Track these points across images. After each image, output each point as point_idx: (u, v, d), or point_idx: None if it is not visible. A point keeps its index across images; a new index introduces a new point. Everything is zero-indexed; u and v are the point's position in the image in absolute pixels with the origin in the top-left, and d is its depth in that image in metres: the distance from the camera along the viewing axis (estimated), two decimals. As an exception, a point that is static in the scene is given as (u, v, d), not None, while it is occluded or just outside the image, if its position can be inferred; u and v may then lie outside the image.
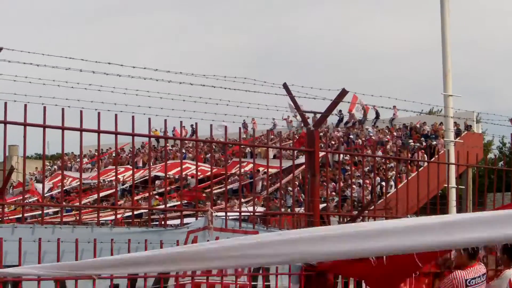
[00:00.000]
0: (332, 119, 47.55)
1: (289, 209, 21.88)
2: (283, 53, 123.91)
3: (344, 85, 10.94)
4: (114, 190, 14.80)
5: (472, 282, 10.43)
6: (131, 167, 43.95)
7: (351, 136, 44.87)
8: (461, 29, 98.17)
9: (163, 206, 15.39)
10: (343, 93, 10.99)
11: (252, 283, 10.20)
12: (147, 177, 33.20)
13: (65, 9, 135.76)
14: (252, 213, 12.02)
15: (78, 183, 42.53)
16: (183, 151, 41.24)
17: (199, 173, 14.64)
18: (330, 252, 5.04)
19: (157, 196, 36.23)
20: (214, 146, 35.34)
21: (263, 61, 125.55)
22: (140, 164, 47.05)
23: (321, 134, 18.25)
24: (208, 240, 9.88)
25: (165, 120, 10.06)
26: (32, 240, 8.40)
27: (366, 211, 12.50)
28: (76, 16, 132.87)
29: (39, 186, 42.73)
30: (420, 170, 17.82)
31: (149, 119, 9.83)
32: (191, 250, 5.52)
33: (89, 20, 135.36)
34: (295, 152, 12.88)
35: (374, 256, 5.30)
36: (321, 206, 12.46)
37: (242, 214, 11.00)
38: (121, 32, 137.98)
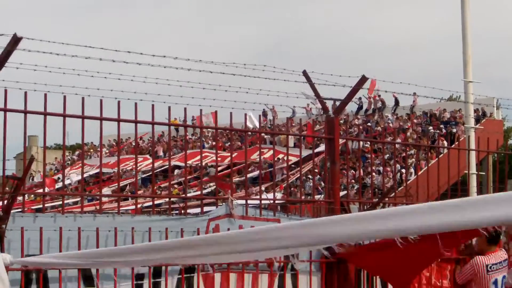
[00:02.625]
0: (352, 107, 47.46)
1: (309, 196, 21.86)
2: (300, 44, 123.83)
3: (364, 72, 10.85)
4: (133, 179, 14.82)
5: (493, 268, 10.41)
6: (150, 156, 44.05)
7: (369, 124, 44.74)
8: (481, 17, 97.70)
9: (183, 195, 15.42)
10: (363, 79, 10.93)
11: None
12: (167, 166, 33.24)
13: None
14: (272, 201, 12.00)
15: (97, 171, 42.75)
16: (203, 139, 41.32)
17: (219, 160, 14.63)
18: (354, 234, 4.97)
19: (175, 186, 36.29)
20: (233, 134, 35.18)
21: (280, 51, 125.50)
22: (160, 154, 47.12)
23: (341, 121, 18.18)
24: (228, 229, 9.89)
25: (185, 108, 10.04)
26: (53, 229, 8.43)
27: (387, 198, 12.44)
28: (95, 5, 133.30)
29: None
30: (440, 157, 17.73)
31: (169, 107, 9.82)
32: (212, 236, 5.54)
33: (107, 9, 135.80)
34: (315, 139, 12.86)
35: (400, 236, 5.18)
36: (341, 193, 12.42)
37: (262, 202, 10.98)
38: (140, 21, 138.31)
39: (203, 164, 34.66)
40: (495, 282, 10.47)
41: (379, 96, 48.31)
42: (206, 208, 10.59)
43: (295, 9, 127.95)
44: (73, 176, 42.28)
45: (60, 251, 8.29)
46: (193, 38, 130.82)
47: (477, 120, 35.22)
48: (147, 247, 5.72)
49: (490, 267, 10.41)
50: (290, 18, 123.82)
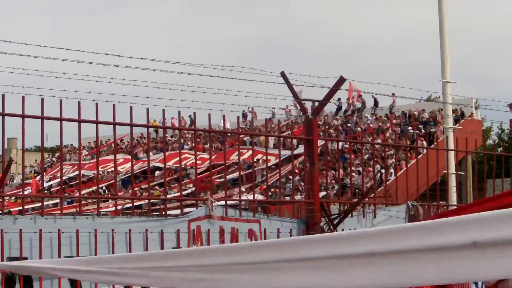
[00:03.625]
0: (331, 108, 47.53)
1: (288, 197, 21.91)
2: (281, 42, 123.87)
3: (342, 72, 10.89)
4: (113, 181, 14.82)
5: None
6: (129, 157, 43.90)
7: (349, 125, 44.81)
8: (458, 16, 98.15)
9: (163, 197, 15.40)
10: (341, 80, 10.99)
11: None
12: (146, 168, 33.23)
13: (62, 0, 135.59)
14: (252, 202, 12.03)
15: (77, 173, 42.56)
16: (182, 141, 41.24)
17: (199, 162, 14.62)
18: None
19: (157, 187, 36.19)
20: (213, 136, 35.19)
21: (261, 51, 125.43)
22: (140, 155, 47.00)
23: (320, 122, 18.21)
24: (209, 230, 9.92)
25: (163, 110, 10.08)
26: (33, 231, 8.43)
27: (367, 199, 12.51)
28: (74, 7, 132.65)
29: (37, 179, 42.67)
30: (419, 157, 17.83)
31: (147, 109, 9.85)
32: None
33: (85, 11, 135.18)
34: (294, 141, 12.90)
35: None
36: (321, 194, 12.48)
37: (242, 203, 11.01)
38: (118, 22, 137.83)
39: (183, 165, 34.63)
40: (476, 282, 10.52)
41: (360, 96, 48.40)
42: (186, 210, 10.62)
43: (276, 8, 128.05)
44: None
45: (41, 252, 8.30)
46: (176, 39, 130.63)
47: (456, 121, 35.37)
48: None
49: None
50: (271, 16, 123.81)
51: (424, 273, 3.94)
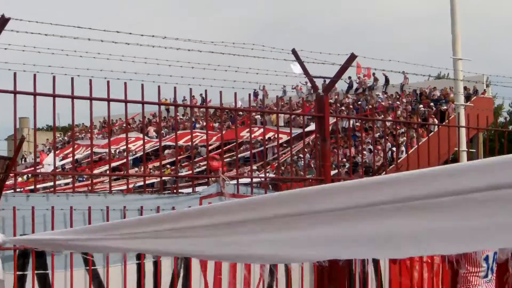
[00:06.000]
0: (342, 86, 47.51)
1: (301, 173, 21.94)
2: (291, 22, 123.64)
3: (353, 50, 10.89)
4: (125, 160, 14.87)
5: None
6: (141, 136, 43.97)
7: (360, 103, 44.80)
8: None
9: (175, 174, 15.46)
10: (352, 57, 10.96)
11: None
12: (157, 147, 33.26)
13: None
14: (263, 179, 12.06)
15: (88, 152, 42.69)
16: (193, 119, 41.23)
17: (210, 139, 14.61)
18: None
19: (168, 165, 36.30)
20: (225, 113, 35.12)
21: (270, 30, 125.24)
22: (151, 134, 47.09)
23: (331, 100, 18.19)
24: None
25: (175, 88, 10.08)
26: (45, 208, 8.48)
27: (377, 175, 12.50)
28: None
29: (49, 157, 42.80)
30: (430, 135, 17.80)
31: (159, 86, 9.85)
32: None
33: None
34: (305, 118, 12.91)
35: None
36: (332, 172, 12.49)
37: (254, 181, 11.04)
38: (132, 4, 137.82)
39: (194, 143, 34.67)
40: (486, 258, 10.52)
41: (373, 74, 48.38)
42: (197, 188, 10.65)
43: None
44: (49, 159, 41.99)
45: (53, 229, 8.35)
46: (185, 21, 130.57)
47: (467, 98, 35.29)
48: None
49: None
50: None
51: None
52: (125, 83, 9.43)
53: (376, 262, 11.38)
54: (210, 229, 4.29)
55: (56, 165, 41.53)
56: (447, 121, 33.68)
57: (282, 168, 29.08)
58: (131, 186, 12.60)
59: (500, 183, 3.37)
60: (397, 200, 3.60)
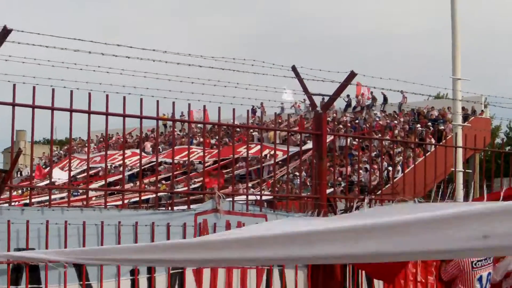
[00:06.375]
0: (340, 104, 47.51)
1: (296, 191, 21.87)
2: (290, 36, 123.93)
3: (352, 68, 10.86)
4: (121, 175, 14.82)
5: (478, 264, 10.46)
6: (138, 151, 43.92)
7: (357, 121, 44.80)
8: (470, 14, 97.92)
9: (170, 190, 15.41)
10: (352, 75, 10.93)
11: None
12: (154, 163, 33.20)
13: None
14: (259, 196, 12.00)
15: (84, 168, 42.63)
16: (190, 135, 41.18)
17: (206, 155, 14.65)
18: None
19: (163, 181, 36.24)
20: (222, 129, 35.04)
21: (270, 44, 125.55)
22: (148, 149, 47.02)
23: (329, 119, 18.15)
24: (215, 224, 9.92)
25: (173, 103, 10.04)
26: (40, 222, 8.43)
27: (373, 195, 12.47)
28: None
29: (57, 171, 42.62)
30: (427, 154, 17.76)
31: (157, 101, 9.80)
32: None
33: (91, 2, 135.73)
34: (302, 135, 12.87)
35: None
36: (328, 191, 12.44)
37: (250, 198, 10.99)
38: (129, 12, 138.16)
39: (190, 160, 34.56)
40: (480, 279, 10.52)
41: (371, 93, 48.44)
42: (193, 206, 10.60)
43: (284, 2, 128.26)
44: (57, 172, 41.91)
45: (47, 243, 8.31)
46: (172, 30, 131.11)
47: (465, 118, 35.30)
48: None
49: (475, 264, 10.46)
50: (279, 9, 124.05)
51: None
52: (124, 97, 9.39)
53: (370, 281, 11.35)
54: None
55: (52, 179, 41.50)
56: (444, 141, 33.67)
57: (278, 186, 28.99)
58: (126, 201, 12.54)
59: None
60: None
